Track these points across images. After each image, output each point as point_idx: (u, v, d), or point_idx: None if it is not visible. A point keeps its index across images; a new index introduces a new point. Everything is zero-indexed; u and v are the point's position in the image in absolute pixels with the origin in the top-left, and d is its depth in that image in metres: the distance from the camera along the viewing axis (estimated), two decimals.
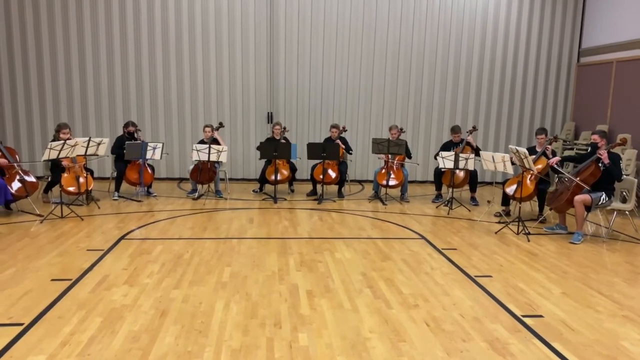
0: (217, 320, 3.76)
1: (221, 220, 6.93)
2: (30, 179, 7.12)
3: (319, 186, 8.54)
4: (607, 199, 6.22)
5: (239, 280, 4.61)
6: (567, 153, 9.71)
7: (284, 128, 8.86)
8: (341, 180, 8.67)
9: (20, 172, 7.00)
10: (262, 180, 8.81)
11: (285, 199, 8.45)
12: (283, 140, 8.69)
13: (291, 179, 8.95)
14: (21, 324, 3.60)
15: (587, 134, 9.53)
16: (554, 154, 7.07)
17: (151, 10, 9.52)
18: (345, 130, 8.80)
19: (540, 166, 6.95)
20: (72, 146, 6.77)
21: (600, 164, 6.16)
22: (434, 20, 10.07)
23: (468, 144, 8.32)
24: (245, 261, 5.16)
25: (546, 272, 5.07)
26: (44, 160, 6.94)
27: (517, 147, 6.57)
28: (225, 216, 7.20)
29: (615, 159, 6.12)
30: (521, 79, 10.49)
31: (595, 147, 6.38)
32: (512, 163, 6.90)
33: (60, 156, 6.66)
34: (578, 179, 6.22)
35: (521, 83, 10.50)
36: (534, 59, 10.45)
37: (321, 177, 8.32)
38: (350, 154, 8.92)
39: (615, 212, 6.60)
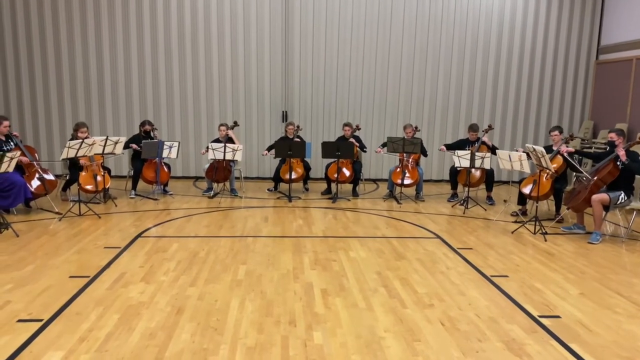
0: (233, 318, 3.78)
1: (236, 219, 6.97)
2: (49, 177, 7.23)
3: (333, 185, 8.53)
4: (626, 198, 6.12)
5: (254, 278, 4.63)
6: (585, 151, 9.59)
7: (298, 127, 8.87)
8: (355, 179, 8.66)
9: (39, 170, 7.11)
10: (277, 179, 8.83)
11: (300, 198, 8.47)
12: (297, 139, 8.70)
13: (305, 178, 8.95)
14: (40, 320, 3.66)
15: (606, 133, 9.38)
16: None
17: (167, 10, 9.59)
18: (359, 129, 8.78)
19: (556, 165, 6.87)
20: (90, 145, 6.86)
21: (618, 163, 6.07)
22: (449, 18, 10.00)
23: (484, 143, 8.25)
24: (260, 259, 5.18)
25: (563, 273, 5.01)
26: (63, 159, 7.04)
27: (534, 146, 6.49)
28: (241, 214, 7.24)
29: (633, 156, 6.03)
30: (538, 77, 10.36)
31: (612, 145, 6.29)
32: (528, 158, 6.82)
33: (79, 155, 6.75)
34: (596, 177, 6.13)
35: (538, 81, 10.38)
36: (551, 57, 10.32)
37: (335, 175, 8.32)
38: (365, 151, 8.90)
39: (634, 212, 6.49)
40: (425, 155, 8.69)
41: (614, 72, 9.84)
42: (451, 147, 8.44)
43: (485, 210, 7.81)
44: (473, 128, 8.36)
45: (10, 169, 6.01)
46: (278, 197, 8.52)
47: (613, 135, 6.25)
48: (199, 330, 3.56)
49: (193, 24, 9.67)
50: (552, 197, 7.24)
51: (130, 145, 8.08)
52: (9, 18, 9.38)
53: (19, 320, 3.65)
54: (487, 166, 7.74)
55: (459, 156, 7.80)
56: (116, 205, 7.53)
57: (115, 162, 9.60)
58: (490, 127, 8.55)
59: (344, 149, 8.13)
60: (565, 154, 6.67)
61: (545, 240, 6.16)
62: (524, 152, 6.94)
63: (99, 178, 7.36)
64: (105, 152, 7.32)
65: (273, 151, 8.49)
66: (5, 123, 6.79)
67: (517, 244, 6.03)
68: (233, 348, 3.33)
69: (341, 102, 10.12)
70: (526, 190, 7.12)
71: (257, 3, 9.69)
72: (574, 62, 10.41)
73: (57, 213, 6.88)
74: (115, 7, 9.50)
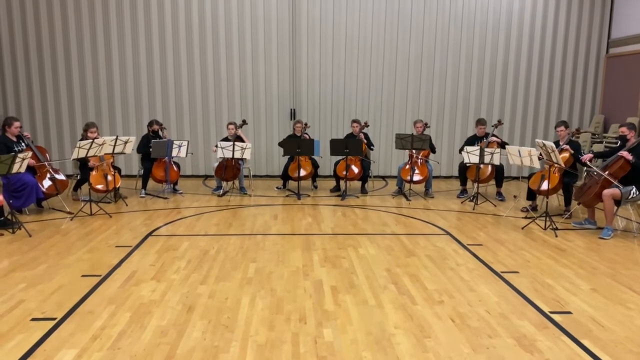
0: (243, 315, 3.80)
1: (246, 217, 6.99)
2: (61, 177, 7.29)
3: (342, 182, 8.53)
4: (637, 192, 6.06)
5: (264, 275, 4.65)
6: (595, 146, 9.51)
7: (306, 124, 8.87)
8: (364, 176, 8.65)
9: (50, 170, 7.17)
10: (285, 176, 8.84)
11: (309, 195, 8.48)
12: (306, 135, 8.71)
13: (314, 175, 8.96)
14: (54, 319, 3.71)
15: (617, 127, 9.28)
16: (577, 147, 6.91)
17: (175, 9, 9.63)
18: (367, 126, 8.76)
19: (563, 159, 6.80)
20: (100, 145, 6.91)
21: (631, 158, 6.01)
22: (457, 13, 9.95)
23: (495, 136, 8.20)
24: (270, 257, 5.20)
25: (574, 268, 4.98)
26: (74, 159, 7.11)
27: (544, 141, 6.45)
28: (250, 213, 7.26)
29: None
30: (548, 71, 10.29)
31: (624, 139, 6.23)
32: (539, 157, 6.77)
33: (89, 155, 6.81)
34: (607, 172, 6.08)
35: (548, 75, 10.30)
36: (561, 51, 10.24)
37: (344, 173, 8.31)
38: (372, 149, 8.88)
39: None
40: (434, 152, 8.66)
41: (625, 66, 9.74)
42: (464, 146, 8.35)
43: (495, 206, 7.77)
44: (481, 122, 8.30)
45: (22, 170, 6.08)
46: (287, 194, 8.53)
47: (624, 130, 6.20)
48: (210, 328, 3.58)
49: (201, 23, 9.70)
50: (561, 192, 7.19)
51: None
52: (19, 19, 9.46)
53: (33, 319, 3.70)
54: (496, 162, 7.71)
55: (467, 152, 7.77)
56: (127, 205, 7.59)
57: (126, 162, 9.68)
58: (499, 122, 8.49)
59: (352, 146, 8.12)
60: (588, 162, 6.55)
61: (556, 236, 6.12)
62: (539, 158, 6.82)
63: (109, 177, 7.42)
64: (115, 151, 7.37)
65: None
66: (17, 124, 6.85)
67: (528, 239, 6.00)
68: (244, 345, 3.35)
69: (349, 99, 10.11)
70: (535, 186, 7.08)
71: (264, 0, 9.69)
72: (584, 56, 10.32)
73: (69, 213, 6.94)
74: (124, 7, 9.55)
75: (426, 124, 8.52)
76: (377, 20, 9.88)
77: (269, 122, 10.10)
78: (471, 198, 7.95)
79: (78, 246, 5.51)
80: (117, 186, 7.70)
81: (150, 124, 8.43)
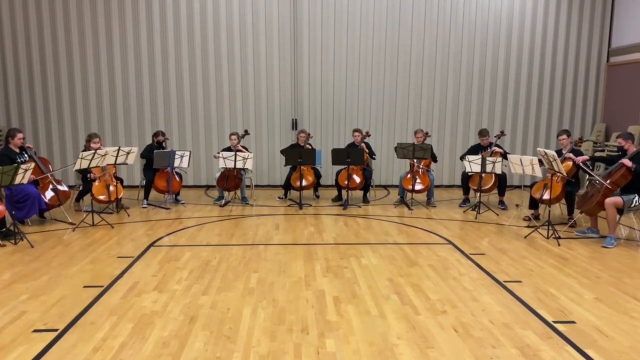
0: (245, 326, 3.79)
1: (248, 227, 6.99)
2: (63, 188, 7.32)
3: (344, 192, 8.53)
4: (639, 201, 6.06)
5: (265, 286, 4.64)
6: (597, 155, 9.49)
7: (309, 134, 8.90)
8: (366, 186, 8.65)
9: (53, 181, 7.19)
10: (287, 186, 8.85)
11: (311, 205, 8.47)
12: (308, 146, 8.72)
13: (316, 185, 8.96)
14: (55, 330, 3.70)
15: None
16: (579, 154, 6.92)
17: (177, 21, 9.69)
18: (368, 135, 8.78)
19: (565, 168, 6.80)
20: (103, 155, 6.93)
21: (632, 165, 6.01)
22: (458, 22, 9.99)
23: (497, 146, 8.21)
24: (271, 267, 5.19)
25: (578, 277, 4.96)
26: (76, 170, 7.12)
27: (545, 150, 6.45)
28: (252, 222, 7.26)
29: None
30: (549, 80, 10.31)
31: (623, 150, 6.25)
32: (541, 164, 6.77)
33: (91, 165, 6.82)
34: (609, 181, 6.08)
35: (549, 84, 10.32)
36: (561, 60, 10.27)
37: (346, 182, 8.31)
38: (374, 159, 8.89)
39: None
40: (435, 161, 8.67)
41: (626, 75, 9.76)
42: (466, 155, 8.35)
43: (498, 215, 7.76)
44: (482, 133, 8.31)
45: (25, 181, 6.09)
46: (289, 204, 8.53)
47: (621, 141, 6.25)
48: (212, 339, 3.57)
49: (203, 35, 9.76)
50: (563, 201, 7.18)
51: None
52: (22, 30, 9.53)
53: (35, 331, 3.69)
54: (498, 171, 7.70)
55: (469, 161, 7.77)
56: (129, 215, 7.59)
57: (128, 172, 9.69)
58: (502, 133, 8.50)
59: (354, 155, 8.13)
60: (581, 163, 6.60)
61: (559, 245, 6.10)
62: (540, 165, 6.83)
63: (111, 188, 7.43)
64: (118, 162, 7.38)
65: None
66: (19, 135, 6.87)
67: (530, 248, 5.99)
68: (246, 356, 3.33)
69: (350, 108, 10.14)
70: (537, 195, 7.07)
71: (265, 12, 9.76)
72: (585, 65, 10.35)
73: (71, 223, 6.95)
74: (126, 19, 9.62)
75: (427, 134, 8.53)
76: (378, 30, 9.93)
77: (271, 132, 10.13)
78: (473, 207, 7.93)
79: (80, 257, 5.51)
80: (119, 197, 7.71)
81: (155, 135, 8.46)
